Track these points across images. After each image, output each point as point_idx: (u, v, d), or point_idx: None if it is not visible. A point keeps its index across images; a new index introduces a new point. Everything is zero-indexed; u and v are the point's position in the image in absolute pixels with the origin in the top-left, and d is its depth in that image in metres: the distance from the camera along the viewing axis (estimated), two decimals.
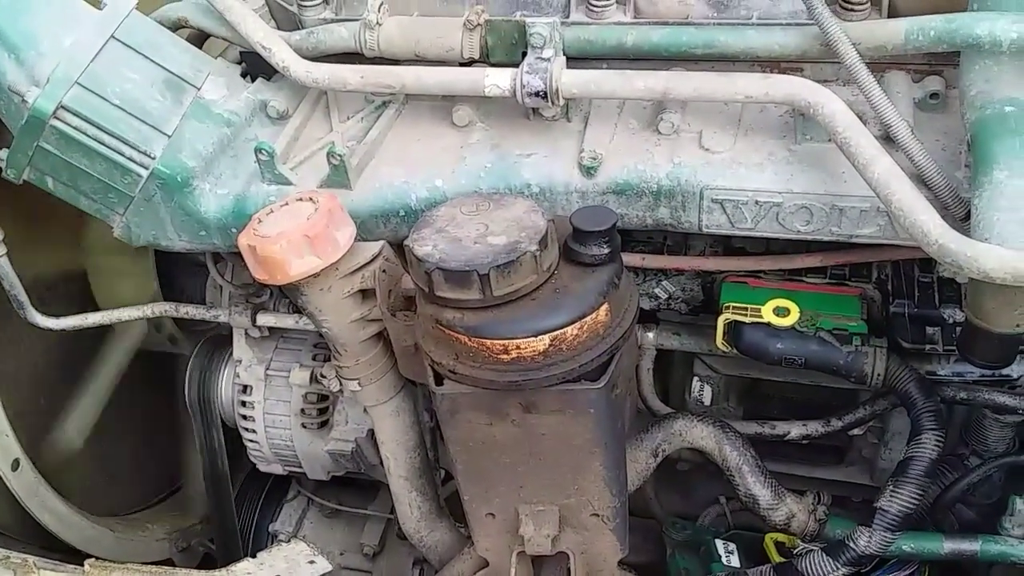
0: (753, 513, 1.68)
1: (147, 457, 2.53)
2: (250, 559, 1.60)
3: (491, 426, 1.41)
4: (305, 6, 1.75)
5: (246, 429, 2.11)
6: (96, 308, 2.23)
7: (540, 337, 1.29)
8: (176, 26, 1.83)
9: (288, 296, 1.93)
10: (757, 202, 1.47)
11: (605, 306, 1.33)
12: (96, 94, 1.61)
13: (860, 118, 1.36)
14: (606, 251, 1.34)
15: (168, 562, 2.43)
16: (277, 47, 1.66)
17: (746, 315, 1.60)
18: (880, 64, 1.53)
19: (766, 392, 1.90)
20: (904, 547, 1.58)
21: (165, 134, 1.66)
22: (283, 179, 1.67)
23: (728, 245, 1.77)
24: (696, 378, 1.89)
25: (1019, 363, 1.63)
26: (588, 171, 1.55)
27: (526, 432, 1.41)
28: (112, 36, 1.62)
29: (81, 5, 1.64)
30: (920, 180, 1.36)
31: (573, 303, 1.31)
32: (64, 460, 2.25)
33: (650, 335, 1.81)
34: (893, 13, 1.50)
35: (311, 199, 1.49)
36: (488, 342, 1.30)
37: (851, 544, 1.55)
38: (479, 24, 1.62)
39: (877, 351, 1.56)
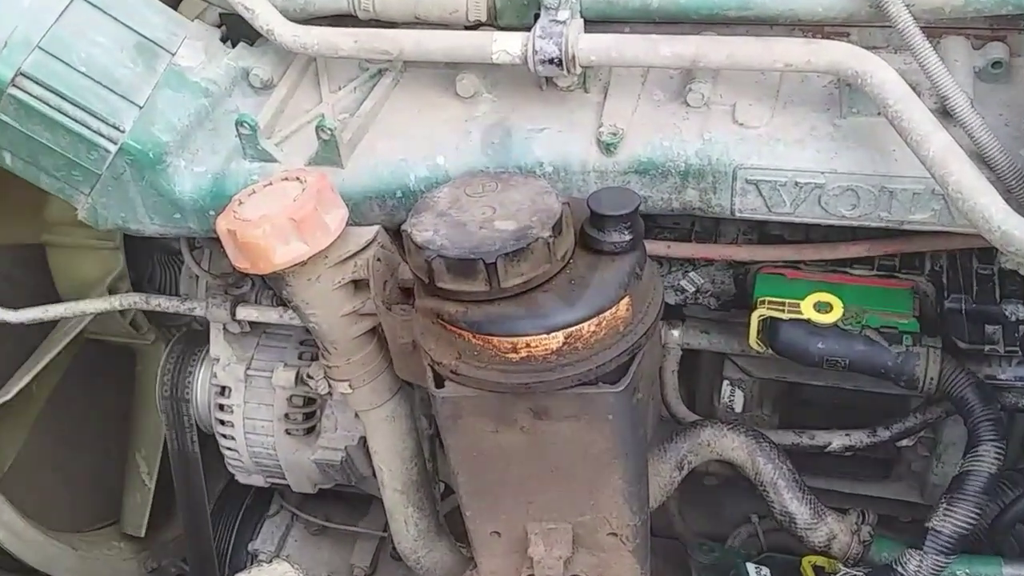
0: (789, 533, 1.70)
1: (112, 466, 2.53)
2: None
3: (497, 434, 1.41)
4: None
5: (224, 436, 2.13)
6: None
7: (553, 334, 1.28)
8: None
9: (272, 287, 1.94)
10: (797, 183, 1.47)
11: (626, 300, 1.32)
12: (59, 60, 1.61)
13: (914, 89, 1.36)
14: (627, 238, 1.33)
15: None
16: (261, 8, 1.67)
17: (783, 311, 1.60)
18: (936, 29, 1.53)
19: (805, 398, 1.93)
20: (959, 572, 1.59)
21: (136, 105, 1.67)
22: (267, 156, 1.68)
23: (763, 232, 1.78)
24: (726, 382, 1.91)
25: None
26: (607, 148, 1.55)
27: (536, 441, 1.41)
28: None
29: None
30: (980, 159, 1.35)
31: (590, 296, 1.30)
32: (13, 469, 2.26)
33: (675, 333, 1.84)
34: None
35: (298, 178, 1.49)
36: (495, 339, 1.30)
37: (899, 569, 1.56)
38: None
39: (930, 352, 1.57)
